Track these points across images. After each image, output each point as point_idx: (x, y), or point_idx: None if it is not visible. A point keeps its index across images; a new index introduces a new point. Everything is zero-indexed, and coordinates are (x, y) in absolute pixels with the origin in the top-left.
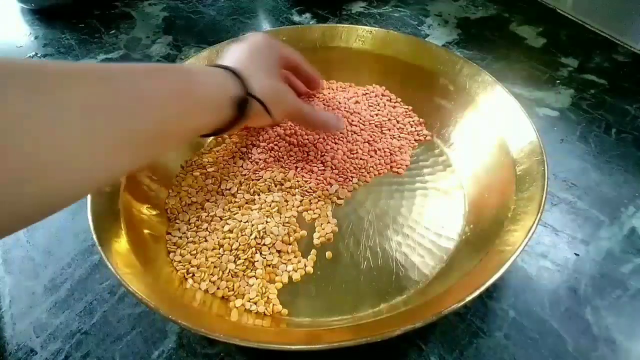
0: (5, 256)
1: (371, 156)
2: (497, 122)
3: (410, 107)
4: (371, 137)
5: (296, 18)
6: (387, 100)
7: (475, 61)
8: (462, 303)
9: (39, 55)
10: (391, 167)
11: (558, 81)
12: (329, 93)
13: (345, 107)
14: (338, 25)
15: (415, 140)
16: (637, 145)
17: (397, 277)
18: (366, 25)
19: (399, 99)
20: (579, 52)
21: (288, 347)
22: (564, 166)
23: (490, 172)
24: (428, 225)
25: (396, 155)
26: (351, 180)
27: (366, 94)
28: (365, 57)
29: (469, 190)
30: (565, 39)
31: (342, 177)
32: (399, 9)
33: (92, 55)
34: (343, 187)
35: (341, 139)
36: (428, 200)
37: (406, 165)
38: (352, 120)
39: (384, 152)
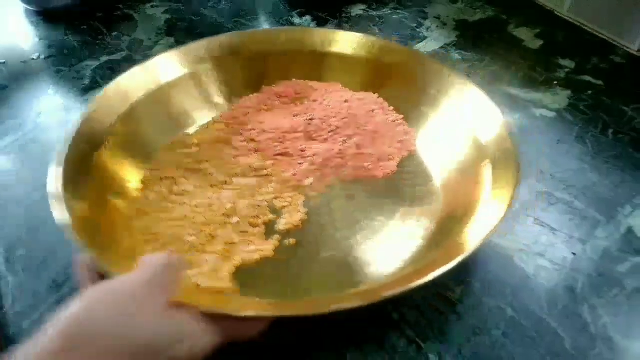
0: (8, 255)
1: (358, 160)
2: (476, 129)
3: (402, 116)
4: (362, 142)
5: (296, 20)
6: (380, 108)
7: (474, 63)
8: (403, 289)
9: (42, 56)
10: (374, 171)
11: (555, 82)
12: (323, 96)
13: (342, 111)
14: (337, 30)
15: (404, 149)
16: (633, 145)
17: (356, 271)
18: (366, 26)
19: (391, 107)
20: (576, 53)
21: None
22: (561, 167)
23: (465, 177)
24: (398, 224)
25: (383, 162)
26: (329, 177)
27: (361, 99)
28: (361, 64)
29: (443, 194)
30: (562, 41)
31: (320, 172)
32: (397, 11)
33: (95, 57)
34: (319, 182)
35: (330, 139)
36: (401, 201)
37: (391, 172)
38: (348, 124)
39: (371, 157)
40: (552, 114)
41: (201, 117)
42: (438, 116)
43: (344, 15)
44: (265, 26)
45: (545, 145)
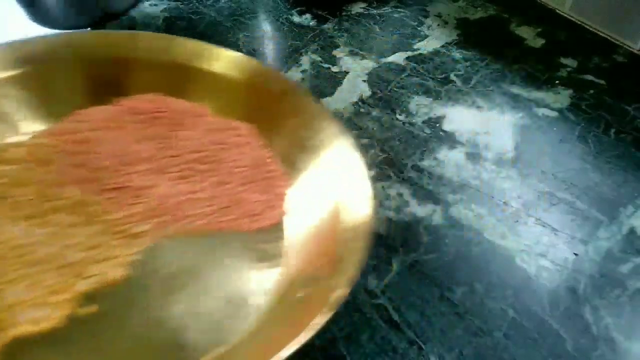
0: None
1: (227, 209)
2: (338, 189)
3: (273, 153)
4: (237, 187)
5: (296, 19)
6: (257, 144)
7: (475, 61)
8: None
9: None
10: (248, 223)
11: (557, 81)
12: (189, 121)
13: (211, 144)
14: (212, 46)
15: (283, 199)
16: (636, 145)
17: (172, 353)
18: (367, 24)
19: (264, 142)
20: (578, 52)
21: None
22: (563, 166)
23: (317, 246)
24: (232, 296)
25: (261, 213)
26: (174, 225)
27: (233, 130)
28: (236, 88)
29: (293, 258)
30: (564, 40)
31: (164, 217)
32: (398, 9)
33: None
34: (158, 230)
35: (191, 178)
36: (244, 266)
37: (272, 224)
38: (217, 162)
39: (248, 206)
40: (554, 114)
41: (25, 128)
42: (308, 167)
43: (344, 13)
44: (265, 25)
45: (547, 145)
